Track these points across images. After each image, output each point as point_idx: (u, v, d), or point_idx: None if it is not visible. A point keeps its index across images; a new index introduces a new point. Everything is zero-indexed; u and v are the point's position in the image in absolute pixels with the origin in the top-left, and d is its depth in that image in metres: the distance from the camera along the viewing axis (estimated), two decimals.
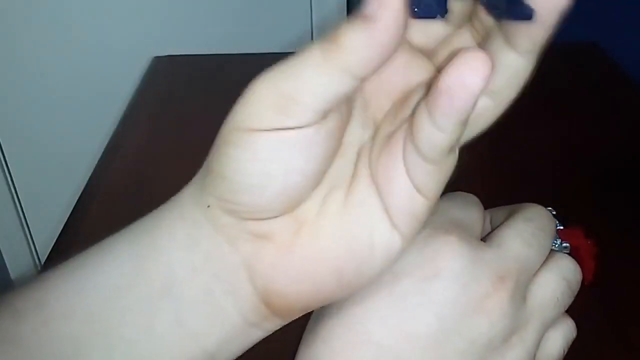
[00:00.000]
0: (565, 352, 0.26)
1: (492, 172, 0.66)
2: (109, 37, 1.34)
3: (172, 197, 0.25)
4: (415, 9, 0.20)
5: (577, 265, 0.26)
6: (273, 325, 0.24)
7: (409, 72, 0.23)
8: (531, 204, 0.27)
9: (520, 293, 0.24)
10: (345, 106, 0.22)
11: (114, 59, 1.34)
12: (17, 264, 1.53)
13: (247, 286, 0.23)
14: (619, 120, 0.76)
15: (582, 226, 0.46)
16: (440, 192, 0.22)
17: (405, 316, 0.23)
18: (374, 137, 0.23)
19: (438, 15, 0.20)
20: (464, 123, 0.19)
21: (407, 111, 0.22)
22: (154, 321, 0.23)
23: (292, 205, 0.22)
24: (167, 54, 0.97)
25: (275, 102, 0.20)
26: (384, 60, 0.19)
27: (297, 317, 0.24)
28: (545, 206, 0.29)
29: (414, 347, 0.23)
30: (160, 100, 0.87)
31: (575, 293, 0.26)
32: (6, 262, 1.52)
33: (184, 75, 0.92)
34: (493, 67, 0.18)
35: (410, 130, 0.20)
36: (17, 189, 1.47)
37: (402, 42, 0.22)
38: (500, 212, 0.28)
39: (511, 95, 0.22)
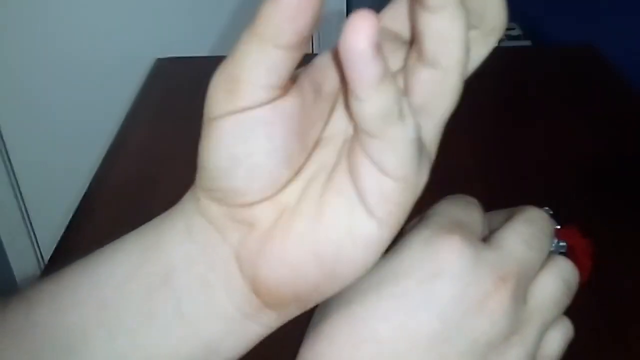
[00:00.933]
0: (563, 352, 0.27)
1: (487, 174, 0.66)
2: (112, 40, 1.34)
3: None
4: None
5: (575, 268, 0.27)
6: (268, 319, 0.24)
7: (392, 64, 0.24)
8: (530, 206, 0.28)
9: (521, 294, 0.24)
10: (308, 86, 0.22)
11: (117, 61, 1.34)
12: (21, 263, 1.54)
13: (238, 276, 0.23)
14: (613, 121, 0.76)
15: (579, 226, 0.46)
16: (407, 172, 0.21)
17: (407, 315, 0.23)
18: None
19: None
20: (377, 88, 0.19)
21: None
22: (155, 310, 0.24)
23: (269, 188, 0.22)
24: (169, 56, 0.97)
25: (225, 87, 0.21)
26: (300, 26, 0.19)
27: (291, 311, 0.24)
28: (542, 206, 0.29)
29: (416, 346, 0.23)
30: (162, 101, 0.87)
31: (574, 294, 0.26)
32: (10, 261, 1.53)
33: (186, 76, 0.93)
34: (375, 23, 0.18)
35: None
36: (21, 189, 1.48)
37: (385, 32, 0.23)
38: (497, 215, 0.28)
39: (455, 68, 0.21)
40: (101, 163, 0.74)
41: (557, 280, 0.26)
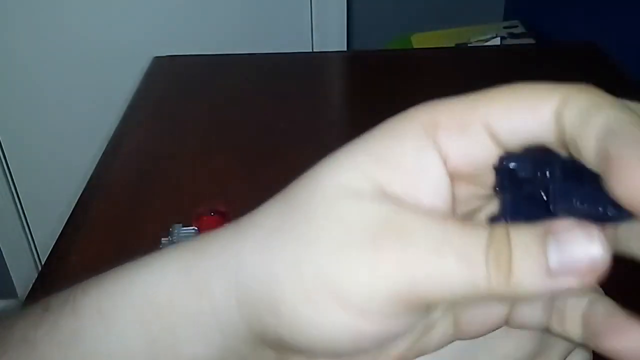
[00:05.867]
0: None
1: None
2: (110, 38, 1.34)
3: (190, 266, 0.20)
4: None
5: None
6: None
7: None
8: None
9: None
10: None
11: (115, 60, 1.34)
12: (18, 264, 1.53)
13: None
14: None
15: None
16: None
17: None
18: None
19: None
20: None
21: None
22: None
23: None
24: (167, 55, 0.97)
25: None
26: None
27: None
28: None
29: None
30: (160, 99, 0.87)
31: None
32: (6, 261, 1.52)
33: (183, 75, 0.92)
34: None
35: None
36: (17, 189, 1.48)
37: None
38: None
39: None
40: (98, 162, 0.73)
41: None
